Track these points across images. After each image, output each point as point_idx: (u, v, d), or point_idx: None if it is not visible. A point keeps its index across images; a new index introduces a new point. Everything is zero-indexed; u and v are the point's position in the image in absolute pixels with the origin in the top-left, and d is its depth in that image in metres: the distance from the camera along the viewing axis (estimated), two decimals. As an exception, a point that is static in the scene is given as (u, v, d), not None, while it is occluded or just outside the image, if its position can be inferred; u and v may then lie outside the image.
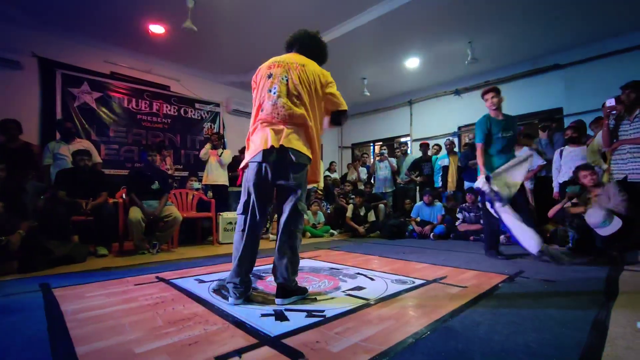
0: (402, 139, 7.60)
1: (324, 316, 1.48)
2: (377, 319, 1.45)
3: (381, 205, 5.69)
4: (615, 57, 4.83)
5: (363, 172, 7.01)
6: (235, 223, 1.81)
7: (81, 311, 1.58)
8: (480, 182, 2.99)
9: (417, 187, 6.10)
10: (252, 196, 1.68)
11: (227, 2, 4.12)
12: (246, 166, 1.75)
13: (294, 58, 1.81)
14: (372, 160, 7.52)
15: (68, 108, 4.79)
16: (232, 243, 1.75)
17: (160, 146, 5.21)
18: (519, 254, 3.12)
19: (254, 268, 1.79)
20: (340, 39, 4.90)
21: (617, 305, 1.62)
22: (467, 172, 5.04)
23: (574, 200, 3.41)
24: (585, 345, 1.16)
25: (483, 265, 2.67)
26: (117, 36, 4.99)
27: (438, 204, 5.18)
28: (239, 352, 1.12)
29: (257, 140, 1.68)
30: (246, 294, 1.70)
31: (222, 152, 4.98)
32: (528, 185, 4.20)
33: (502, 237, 3.76)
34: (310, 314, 1.52)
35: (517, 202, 3.05)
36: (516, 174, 2.99)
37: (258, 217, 1.69)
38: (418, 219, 5.17)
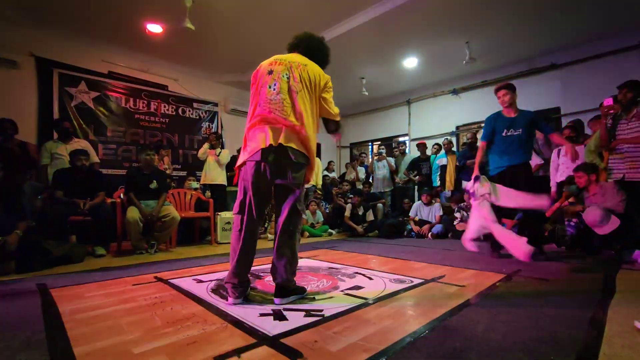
0: (400, 139, 7.61)
1: (322, 315, 1.48)
2: (375, 318, 1.45)
3: (379, 205, 5.70)
4: (611, 57, 4.85)
5: (361, 172, 7.01)
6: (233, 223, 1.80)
7: (79, 311, 1.57)
8: (469, 183, 2.98)
9: (416, 187, 6.11)
10: (249, 195, 1.66)
11: (225, 1, 4.11)
12: (243, 164, 1.72)
13: (296, 58, 1.79)
14: (370, 159, 7.53)
15: (65, 108, 4.77)
16: (230, 243, 1.74)
17: (158, 146, 5.19)
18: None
19: (253, 268, 1.79)
20: (339, 39, 4.90)
21: (614, 303, 1.63)
22: (464, 171, 5.05)
23: (572, 200, 3.43)
24: (582, 344, 1.17)
25: (481, 265, 2.68)
26: (114, 35, 4.98)
27: (436, 203, 5.19)
28: (238, 351, 1.12)
29: (255, 138, 1.66)
30: (245, 294, 1.69)
31: (220, 152, 4.98)
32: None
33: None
34: (308, 313, 1.52)
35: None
36: (507, 198, 2.74)
37: (255, 217, 1.67)
38: (417, 219, 5.19)
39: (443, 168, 5.56)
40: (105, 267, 2.72)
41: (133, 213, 3.36)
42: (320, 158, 7.23)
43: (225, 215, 4.47)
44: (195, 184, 5.06)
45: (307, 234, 5.11)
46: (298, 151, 1.65)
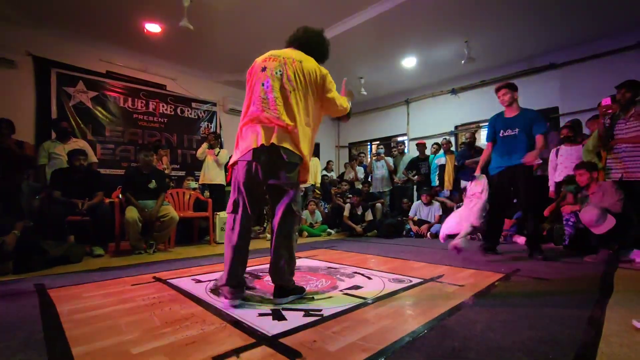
0: (399, 138, 7.61)
1: (321, 315, 1.48)
2: (374, 318, 1.45)
3: (378, 205, 5.70)
4: (609, 57, 4.86)
5: (360, 172, 7.01)
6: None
7: (77, 312, 1.57)
8: (469, 183, 3.03)
9: (414, 187, 6.12)
10: (242, 195, 1.63)
11: (223, 0, 4.11)
12: (235, 164, 1.69)
13: (291, 53, 1.75)
14: (369, 159, 7.53)
15: (63, 107, 4.76)
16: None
17: (157, 146, 5.18)
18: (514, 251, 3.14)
19: (251, 267, 1.79)
20: (337, 38, 4.90)
21: (612, 302, 1.64)
22: (463, 171, 5.06)
23: (570, 199, 3.43)
24: (580, 343, 1.17)
25: (480, 264, 2.68)
26: (112, 35, 4.96)
27: (436, 203, 5.20)
28: (237, 351, 1.12)
29: (247, 137, 1.63)
30: (242, 295, 1.67)
31: (219, 152, 4.97)
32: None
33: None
34: (307, 313, 1.52)
35: (528, 203, 3.05)
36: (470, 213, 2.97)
37: (249, 216, 1.65)
38: (416, 218, 5.20)
39: (442, 168, 5.56)
40: (103, 267, 2.71)
41: (132, 213, 3.36)
42: (319, 158, 7.23)
43: (224, 215, 4.43)
44: (194, 184, 5.05)
45: (306, 233, 5.11)
46: (291, 151, 1.61)
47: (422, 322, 1.38)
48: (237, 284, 1.64)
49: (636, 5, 4.09)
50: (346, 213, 5.42)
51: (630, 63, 4.62)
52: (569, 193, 3.47)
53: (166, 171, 4.83)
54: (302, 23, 1.99)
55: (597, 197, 3.04)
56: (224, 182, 5.06)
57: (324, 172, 7.07)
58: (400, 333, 1.27)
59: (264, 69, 1.68)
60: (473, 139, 5.21)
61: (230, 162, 1.73)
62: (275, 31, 4.64)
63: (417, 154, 6.16)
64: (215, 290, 1.89)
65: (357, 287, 1.99)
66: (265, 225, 5.11)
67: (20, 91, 4.49)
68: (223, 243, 1.70)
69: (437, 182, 5.64)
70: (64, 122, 4.37)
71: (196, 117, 6.27)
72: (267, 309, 1.58)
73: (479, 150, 4.98)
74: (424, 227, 4.96)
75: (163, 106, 5.81)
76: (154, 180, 3.66)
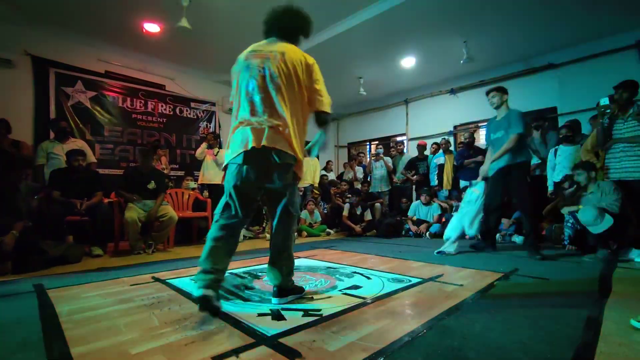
0: (398, 138, 7.62)
1: (320, 315, 1.48)
2: (373, 318, 1.45)
3: (377, 204, 5.70)
4: (608, 57, 4.87)
5: (359, 171, 7.01)
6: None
7: (76, 312, 1.56)
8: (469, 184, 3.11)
9: (414, 186, 6.12)
10: (233, 199, 1.56)
11: (222, 0, 4.10)
12: (226, 167, 1.63)
13: (273, 46, 1.64)
14: (368, 159, 7.53)
15: (62, 107, 4.74)
16: None
17: (156, 146, 5.17)
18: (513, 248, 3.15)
19: (251, 267, 1.79)
20: (336, 38, 4.90)
21: (610, 302, 1.64)
22: (462, 170, 5.07)
23: (568, 199, 3.44)
24: (579, 342, 1.17)
25: (478, 264, 2.68)
26: (111, 35, 4.95)
27: (434, 203, 5.21)
28: (236, 351, 1.12)
29: (237, 140, 1.56)
30: (213, 286, 1.47)
31: (218, 152, 4.96)
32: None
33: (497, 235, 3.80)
34: (306, 313, 1.52)
35: (520, 204, 3.09)
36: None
37: (239, 219, 1.58)
38: (414, 218, 5.20)
39: (440, 167, 5.57)
40: (102, 268, 2.71)
41: (131, 213, 3.35)
42: (318, 158, 7.22)
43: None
44: (193, 184, 5.04)
45: (305, 233, 5.11)
46: (283, 152, 1.54)
47: (421, 322, 1.38)
48: (211, 271, 1.49)
49: (634, 5, 4.10)
50: (345, 213, 5.42)
51: (629, 63, 4.63)
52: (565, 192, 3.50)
53: (165, 171, 4.82)
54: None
55: (595, 197, 3.05)
56: (223, 182, 5.05)
57: (323, 172, 7.07)
58: (400, 333, 1.27)
59: (247, 67, 1.61)
60: (472, 138, 5.22)
61: (223, 166, 1.67)
62: (274, 31, 4.65)
63: (416, 153, 6.17)
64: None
65: (356, 287, 1.99)
66: (264, 225, 5.11)
67: (18, 91, 4.47)
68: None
69: (436, 182, 5.64)
70: (62, 122, 4.36)
71: (195, 117, 6.26)
72: (266, 309, 1.58)
73: (478, 150, 5.00)
74: (423, 226, 4.96)
75: (162, 106, 5.80)
76: (153, 181, 3.66)
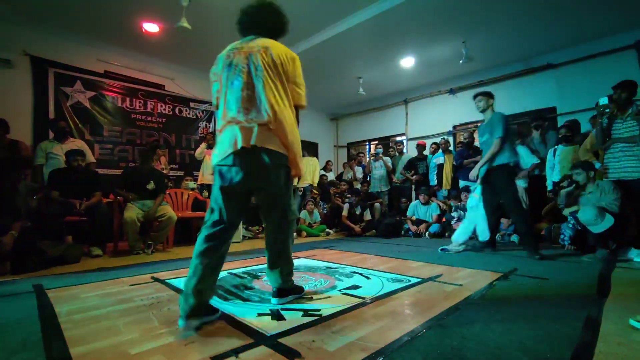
0: (398, 138, 7.62)
1: (320, 315, 1.48)
2: (373, 318, 1.45)
3: (377, 204, 5.70)
4: (607, 57, 4.88)
5: (359, 171, 7.02)
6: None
7: (76, 312, 1.56)
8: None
9: (413, 186, 6.13)
10: (219, 202, 1.48)
11: (222, 0, 4.10)
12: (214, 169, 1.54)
13: (254, 42, 1.56)
14: (367, 159, 7.53)
15: (61, 107, 4.73)
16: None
17: (155, 146, 5.17)
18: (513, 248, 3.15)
19: (251, 267, 1.78)
20: (336, 38, 4.90)
21: (609, 302, 1.65)
22: (461, 170, 5.07)
23: (567, 199, 3.45)
24: (578, 342, 1.17)
25: (478, 264, 2.69)
26: (110, 35, 4.94)
27: (433, 203, 5.21)
28: (236, 351, 1.12)
29: (225, 140, 1.46)
30: (195, 314, 1.35)
31: (217, 152, 4.96)
32: (522, 184, 4.23)
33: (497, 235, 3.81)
34: (306, 313, 1.52)
35: (506, 206, 3.13)
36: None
37: (225, 225, 1.47)
38: (414, 218, 5.20)
39: (440, 167, 5.58)
40: (101, 268, 2.71)
41: (130, 213, 3.35)
42: (317, 158, 7.22)
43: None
44: (192, 184, 5.04)
45: (304, 233, 5.11)
46: (275, 152, 1.45)
47: (420, 322, 1.38)
48: (196, 295, 1.37)
49: (633, 5, 4.11)
50: (345, 213, 5.42)
51: (628, 63, 4.64)
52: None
53: (164, 171, 4.82)
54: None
55: (595, 196, 3.06)
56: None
57: (323, 172, 7.07)
58: (399, 332, 1.27)
59: (230, 64, 1.53)
60: (471, 138, 5.22)
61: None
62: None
63: (415, 153, 6.17)
64: None
65: (355, 287, 1.99)
66: (264, 225, 5.10)
67: (17, 91, 4.46)
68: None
69: (435, 182, 5.65)
70: (61, 122, 4.36)
71: (194, 117, 6.25)
72: (266, 309, 1.58)
73: (477, 150, 5.00)
74: (422, 226, 4.97)
75: (161, 106, 5.79)
76: (152, 181, 3.65)
